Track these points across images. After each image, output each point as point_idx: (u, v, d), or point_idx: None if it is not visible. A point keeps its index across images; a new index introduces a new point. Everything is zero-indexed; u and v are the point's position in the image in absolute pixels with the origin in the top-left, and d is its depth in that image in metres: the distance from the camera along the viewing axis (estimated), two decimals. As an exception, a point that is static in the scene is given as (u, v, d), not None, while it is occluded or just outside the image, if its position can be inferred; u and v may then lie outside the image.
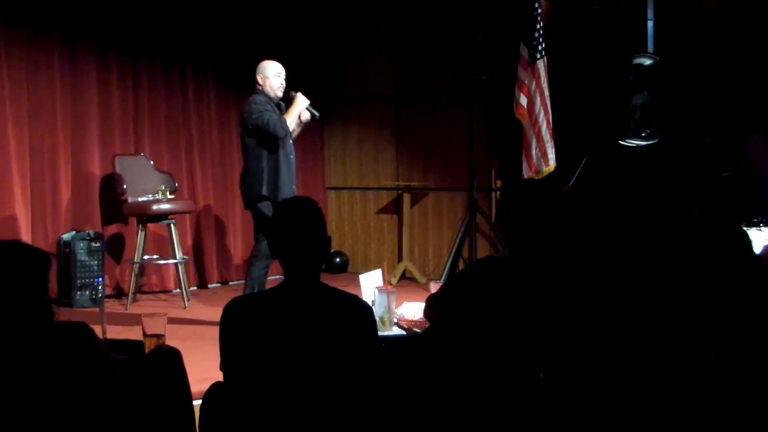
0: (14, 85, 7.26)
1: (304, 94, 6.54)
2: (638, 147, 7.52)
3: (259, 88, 6.48)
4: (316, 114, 6.65)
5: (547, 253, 3.04)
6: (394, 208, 9.37)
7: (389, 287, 4.42)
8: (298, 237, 2.94)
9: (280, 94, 6.51)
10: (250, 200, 6.43)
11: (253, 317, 2.92)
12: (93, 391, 2.68)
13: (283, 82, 6.53)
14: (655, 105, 7.61)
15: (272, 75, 6.48)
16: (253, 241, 6.56)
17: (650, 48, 7.97)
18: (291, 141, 6.53)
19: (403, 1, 9.12)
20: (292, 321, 2.88)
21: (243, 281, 8.75)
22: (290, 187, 6.45)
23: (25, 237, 7.10)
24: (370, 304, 3.97)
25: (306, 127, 9.32)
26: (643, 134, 7.51)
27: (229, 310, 2.98)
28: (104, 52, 7.92)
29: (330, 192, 9.86)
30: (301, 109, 6.50)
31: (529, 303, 2.95)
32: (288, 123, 6.35)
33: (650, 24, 8.12)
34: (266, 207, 6.30)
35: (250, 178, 6.43)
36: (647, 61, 7.64)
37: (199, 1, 8.57)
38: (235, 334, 2.93)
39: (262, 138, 6.33)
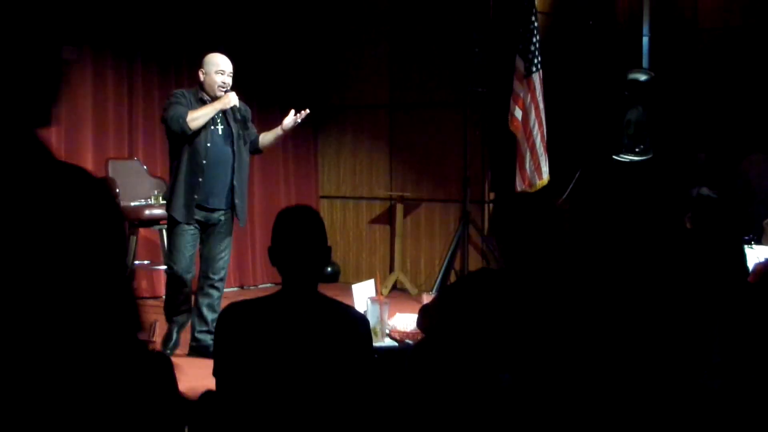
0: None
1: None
2: (632, 162, 7.54)
3: (200, 82, 5.83)
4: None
5: (542, 265, 3.03)
6: (386, 218, 9.36)
7: (382, 298, 4.41)
8: (296, 246, 2.94)
9: (220, 94, 5.75)
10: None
11: (249, 323, 2.92)
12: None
13: (227, 81, 5.78)
14: (650, 121, 7.64)
15: (213, 72, 5.77)
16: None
17: (645, 64, 8.00)
18: (209, 145, 5.77)
19: (401, 11, 9.12)
20: (288, 329, 2.88)
21: (233, 288, 8.74)
22: (188, 197, 5.74)
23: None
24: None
25: (300, 134, 9.38)
26: (636, 149, 7.54)
27: (225, 315, 2.98)
28: (100, 54, 7.90)
29: (323, 200, 9.84)
30: (224, 106, 5.70)
31: (523, 316, 2.94)
32: (196, 117, 5.62)
33: (645, 40, 8.16)
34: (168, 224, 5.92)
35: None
36: (642, 77, 7.67)
37: (196, 4, 8.55)
38: (231, 339, 2.93)
39: (170, 136, 5.81)
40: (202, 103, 5.77)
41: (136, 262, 7.65)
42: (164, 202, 7.61)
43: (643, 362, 3.21)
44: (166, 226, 6.10)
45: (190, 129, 5.63)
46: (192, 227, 5.81)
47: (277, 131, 6.07)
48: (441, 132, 8.90)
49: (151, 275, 8.23)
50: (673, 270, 3.67)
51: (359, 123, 9.55)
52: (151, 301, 8.15)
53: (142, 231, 7.66)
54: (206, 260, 5.94)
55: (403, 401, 3.03)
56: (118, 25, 8.00)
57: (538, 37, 7.60)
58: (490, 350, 2.91)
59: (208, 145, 5.76)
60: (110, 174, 7.64)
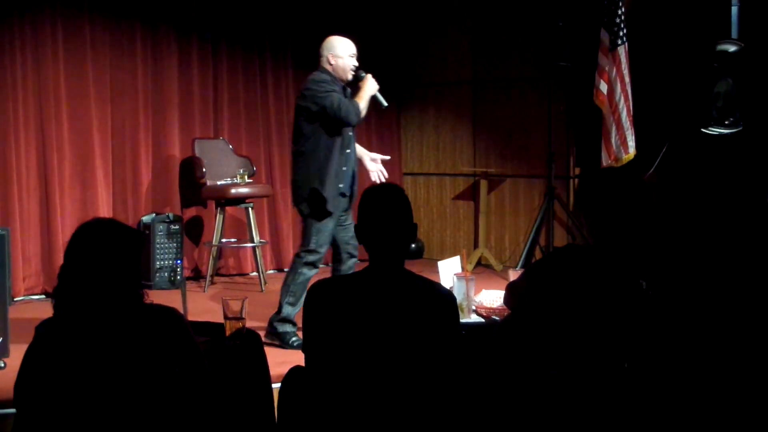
0: (97, 70, 7.39)
1: (375, 78, 5.67)
2: (721, 135, 7.38)
3: (328, 67, 5.62)
4: (384, 103, 5.76)
5: (631, 242, 2.99)
6: (470, 194, 9.32)
7: (468, 274, 4.41)
8: (383, 223, 2.96)
9: (350, 77, 5.64)
10: (300, 196, 5.63)
11: (337, 300, 2.95)
12: (177, 373, 2.70)
13: (356, 63, 5.66)
14: (739, 93, 7.46)
15: (347, 55, 5.61)
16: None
17: (734, 34, 7.81)
18: (351, 134, 5.68)
19: (483, -14, 9.05)
20: (376, 306, 2.90)
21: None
22: (336, 186, 5.53)
23: (107, 219, 7.22)
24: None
25: (383, 112, 9.38)
26: (726, 122, 7.37)
27: (313, 292, 3.01)
28: (185, 37, 8.02)
29: (406, 177, 9.84)
30: (371, 94, 5.60)
31: (611, 293, 2.91)
32: (364, 107, 5.55)
33: (734, 9, 7.95)
34: (305, 207, 5.57)
35: (303, 169, 5.60)
36: (731, 48, 7.48)
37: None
38: (319, 315, 2.96)
39: (327, 123, 5.49)
40: (344, 89, 5.62)
41: (223, 240, 7.75)
42: (250, 180, 7.74)
43: (727, 346, 3.14)
44: (307, 219, 5.62)
45: (361, 119, 5.58)
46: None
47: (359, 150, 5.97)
48: (525, 107, 8.83)
49: (237, 253, 8.33)
50: (759, 246, 3.60)
51: (442, 99, 9.52)
52: (238, 278, 8.27)
53: (228, 209, 7.75)
54: (344, 242, 5.74)
55: (490, 377, 3.03)
56: (202, 8, 8.10)
57: (623, 9, 7.48)
58: (576, 328, 2.89)
59: (350, 134, 5.64)
60: (197, 153, 7.75)
